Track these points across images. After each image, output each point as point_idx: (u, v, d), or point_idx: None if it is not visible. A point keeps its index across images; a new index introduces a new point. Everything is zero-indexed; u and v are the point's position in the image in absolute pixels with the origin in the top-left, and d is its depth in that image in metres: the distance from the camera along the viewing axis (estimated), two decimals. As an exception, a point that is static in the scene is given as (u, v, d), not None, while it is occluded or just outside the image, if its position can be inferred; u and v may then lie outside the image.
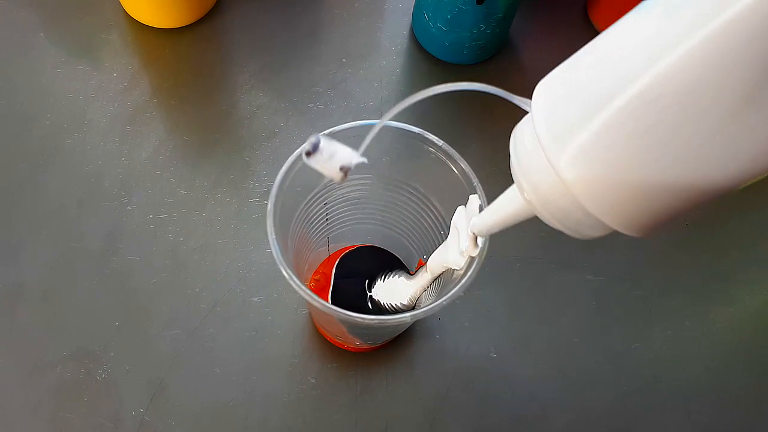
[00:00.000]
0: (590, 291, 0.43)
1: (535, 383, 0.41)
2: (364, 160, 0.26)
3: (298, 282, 0.28)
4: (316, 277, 0.40)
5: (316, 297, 0.28)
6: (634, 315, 0.43)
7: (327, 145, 0.26)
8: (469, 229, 0.30)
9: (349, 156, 0.26)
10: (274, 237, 0.29)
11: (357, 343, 0.39)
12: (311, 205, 0.35)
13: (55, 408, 0.38)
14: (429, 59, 0.50)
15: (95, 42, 0.48)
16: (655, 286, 0.44)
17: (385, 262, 0.40)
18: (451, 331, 0.41)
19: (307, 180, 0.33)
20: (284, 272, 0.28)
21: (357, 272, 0.39)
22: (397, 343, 0.41)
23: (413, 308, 0.37)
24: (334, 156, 0.26)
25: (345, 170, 0.26)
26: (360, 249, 0.40)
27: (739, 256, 0.46)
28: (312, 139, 0.25)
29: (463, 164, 0.31)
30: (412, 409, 0.39)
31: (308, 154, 0.26)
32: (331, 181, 0.34)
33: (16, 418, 0.37)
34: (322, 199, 0.35)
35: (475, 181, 0.31)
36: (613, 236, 0.46)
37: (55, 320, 0.39)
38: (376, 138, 0.33)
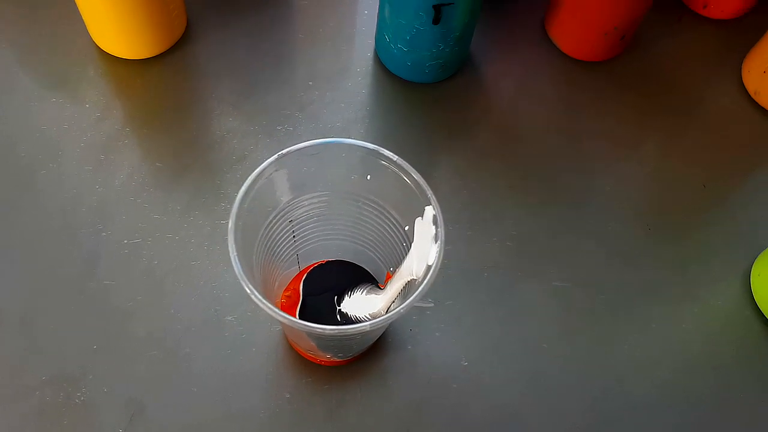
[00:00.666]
0: (556, 297, 0.44)
1: (506, 389, 0.42)
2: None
3: (258, 295, 0.29)
4: (287, 294, 0.41)
5: (274, 308, 0.29)
6: (601, 319, 0.44)
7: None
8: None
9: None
10: (235, 254, 0.30)
11: (329, 356, 0.40)
12: (276, 223, 0.36)
13: (35, 432, 0.38)
14: (393, 79, 0.51)
15: (68, 75, 0.49)
16: (620, 290, 0.45)
17: (353, 276, 0.41)
18: (422, 341, 0.42)
19: (270, 198, 0.35)
20: (245, 287, 0.29)
21: (326, 287, 0.40)
22: (370, 356, 0.42)
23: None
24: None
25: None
26: (328, 263, 0.41)
27: (701, 257, 0.47)
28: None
29: (416, 176, 0.33)
30: (386, 420, 0.40)
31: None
32: (293, 199, 0.35)
33: (-3, 444, 0.38)
34: (286, 216, 0.36)
35: (429, 192, 0.32)
36: (578, 243, 0.47)
37: (33, 345, 0.40)
38: (334, 155, 0.35)
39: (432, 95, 0.51)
